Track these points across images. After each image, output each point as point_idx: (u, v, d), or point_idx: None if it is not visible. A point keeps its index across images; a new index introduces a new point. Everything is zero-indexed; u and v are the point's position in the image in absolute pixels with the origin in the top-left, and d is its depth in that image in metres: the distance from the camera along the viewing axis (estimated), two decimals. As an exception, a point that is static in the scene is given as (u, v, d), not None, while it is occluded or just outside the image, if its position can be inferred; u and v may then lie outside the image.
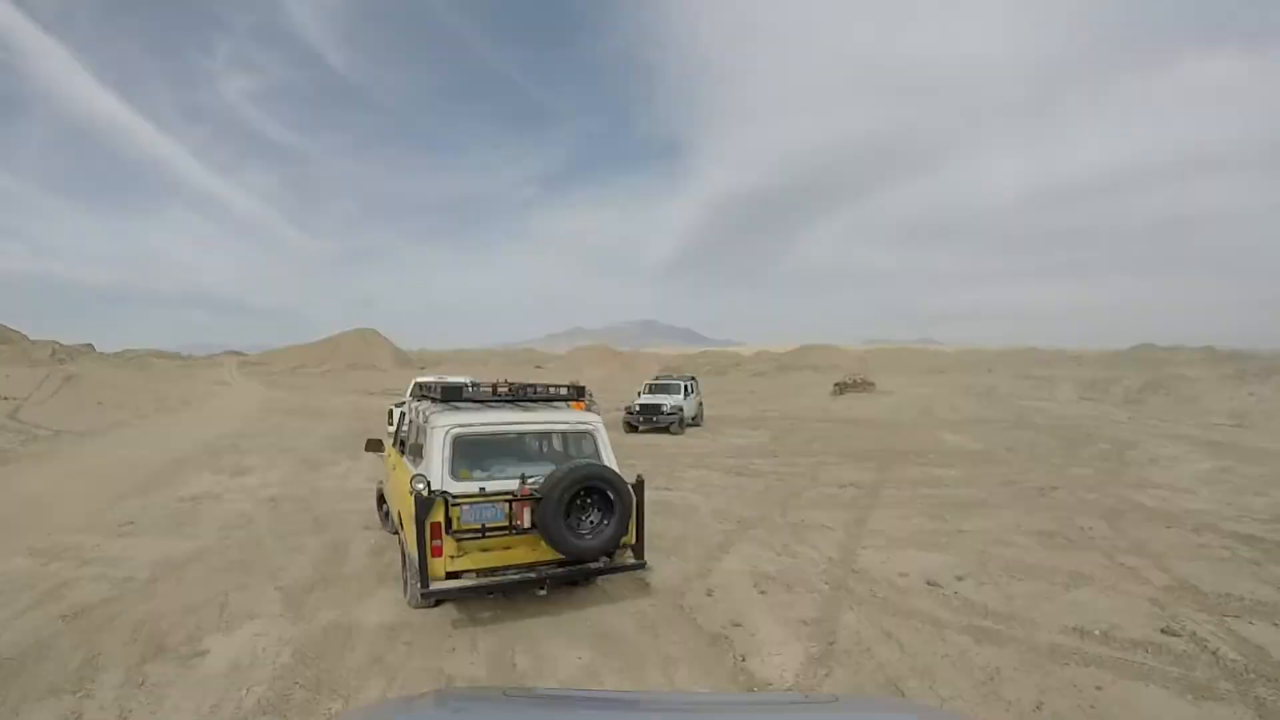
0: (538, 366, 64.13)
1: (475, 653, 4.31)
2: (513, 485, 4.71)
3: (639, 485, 4.99)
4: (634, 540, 5.05)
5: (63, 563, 6.14)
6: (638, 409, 17.47)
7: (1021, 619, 4.81)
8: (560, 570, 4.75)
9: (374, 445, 7.61)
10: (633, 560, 5.07)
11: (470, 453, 4.90)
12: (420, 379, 12.11)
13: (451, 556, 4.46)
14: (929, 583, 5.57)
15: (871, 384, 34.69)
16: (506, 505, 4.55)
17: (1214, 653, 4.20)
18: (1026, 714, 3.57)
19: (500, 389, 5.51)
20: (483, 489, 4.65)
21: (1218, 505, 8.34)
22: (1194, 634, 4.48)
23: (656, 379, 21.09)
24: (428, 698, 2.23)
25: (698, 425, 18.96)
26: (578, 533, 4.66)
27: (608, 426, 5.56)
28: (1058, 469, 11.29)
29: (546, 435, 5.57)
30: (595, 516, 4.76)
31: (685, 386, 19.03)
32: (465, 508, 4.46)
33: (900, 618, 4.86)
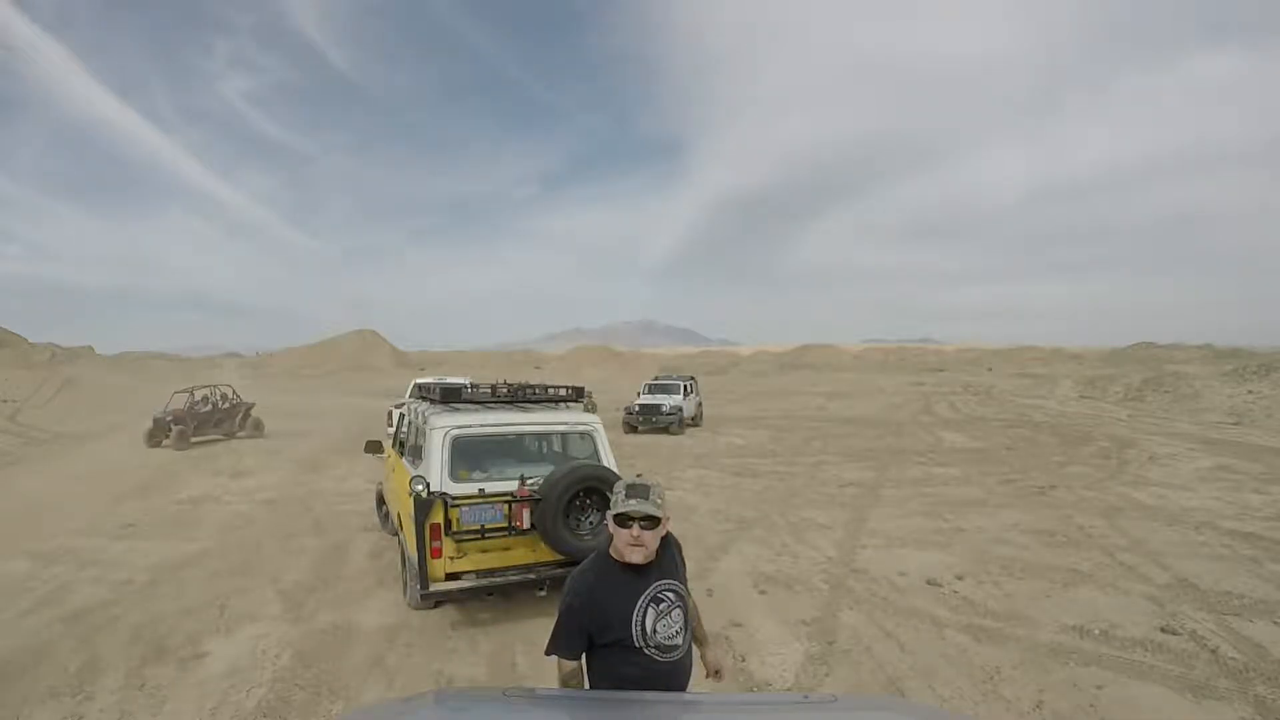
0: (537, 367, 64.18)
1: (475, 654, 4.32)
2: (512, 486, 4.71)
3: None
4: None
5: (63, 565, 6.15)
6: (637, 409, 17.46)
7: (1021, 618, 4.81)
8: (559, 571, 4.74)
9: (373, 447, 7.60)
10: None
11: (469, 454, 4.91)
12: (419, 380, 12.11)
13: (451, 558, 4.46)
14: (928, 582, 5.57)
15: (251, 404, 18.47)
16: (506, 506, 4.55)
17: (1213, 651, 4.21)
18: (1026, 713, 3.57)
19: (499, 390, 5.51)
20: (482, 490, 4.66)
21: (1217, 503, 8.35)
22: (1193, 632, 4.49)
23: (656, 379, 21.07)
24: (428, 698, 2.23)
25: (697, 425, 18.96)
26: (577, 533, 4.65)
27: (607, 427, 5.56)
28: (1057, 467, 11.29)
29: (545, 436, 5.57)
30: (594, 517, 4.75)
31: (685, 386, 19.03)
32: (464, 509, 4.47)
33: (900, 617, 4.86)
